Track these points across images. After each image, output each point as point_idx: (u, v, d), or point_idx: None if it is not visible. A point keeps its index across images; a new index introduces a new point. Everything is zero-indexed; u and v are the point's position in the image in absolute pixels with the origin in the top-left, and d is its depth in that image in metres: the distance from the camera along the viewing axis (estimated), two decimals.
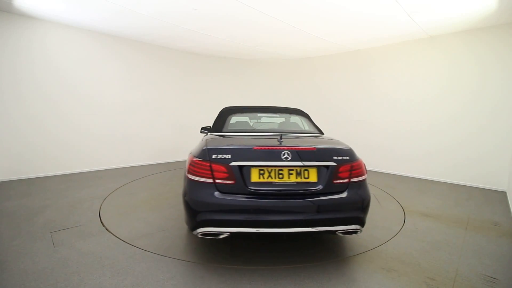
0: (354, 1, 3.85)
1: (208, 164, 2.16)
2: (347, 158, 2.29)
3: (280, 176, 2.18)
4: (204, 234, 2.13)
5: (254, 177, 2.15)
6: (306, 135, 2.97)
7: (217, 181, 2.14)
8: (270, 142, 2.36)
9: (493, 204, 4.03)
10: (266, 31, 5.20)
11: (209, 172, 2.15)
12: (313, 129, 3.25)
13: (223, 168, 2.14)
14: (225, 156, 2.17)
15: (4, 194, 4.07)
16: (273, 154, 2.17)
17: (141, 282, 2.04)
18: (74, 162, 5.54)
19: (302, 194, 2.17)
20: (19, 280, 2.04)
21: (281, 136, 2.48)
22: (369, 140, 6.38)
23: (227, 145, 2.37)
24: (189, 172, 2.25)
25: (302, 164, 2.19)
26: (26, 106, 4.98)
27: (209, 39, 5.92)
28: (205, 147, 2.27)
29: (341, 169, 2.24)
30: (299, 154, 2.21)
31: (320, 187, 2.19)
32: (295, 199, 2.15)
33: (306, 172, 2.21)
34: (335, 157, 2.25)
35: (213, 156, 2.18)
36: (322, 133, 3.19)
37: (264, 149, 2.21)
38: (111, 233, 2.86)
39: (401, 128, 5.88)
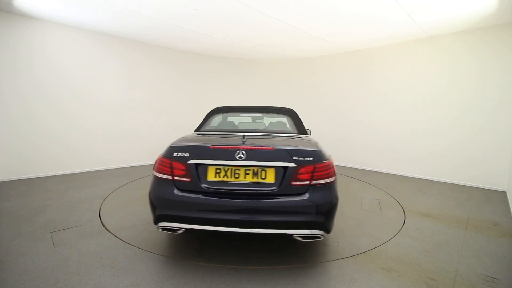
0: (354, 1, 3.85)
1: (169, 162, 2.24)
2: (310, 159, 2.17)
3: (236, 175, 2.18)
4: (163, 228, 2.21)
5: (211, 175, 2.19)
6: (283, 135, 2.87)
7: (176, 178, 2.21)
8: (230, 142, 2.37)
9: (493, 204, 4.03)
10: (266, 31, 5.20)
11: (169, 170, 2.23)
12: (295, 129, 3.15)
13: (181, 166, 2.21)
14: (184, 154, 2.24)
15: (4, 194, 4.07)
16: (228, 154, 2.18)
17: (141, 282, 2.04)
18: (74, 162, 5.55)
19: (258, 194, 2.14)
20: (19, 280, 2.04)
21: (244, 136, 2.51)
22: (369, 140, 6.39)
23: (187, 143, 2.38)
24: (154, 169, 2.35)
25: (259, 164, 2.16)
26: (26, 106, 4.98)
27: (209, 39, 5.92)
28: (170, 145, 2.35)
29: (301, 170, 2.15)
30: (256, 154, 2.18)
31: (276, 188, 2.14)
32: (250, 199, 2.13)
33: (263, 172, 2.17)
34: (295, 158, 2.17)
35: (174, 154, 2.25)
36: (305, 133, 3.12)
37: (220, 148, 2.23)
38: (111, 233, 2.86)
39: (401, 128, 5.87)
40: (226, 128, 3.26)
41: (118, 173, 5.60)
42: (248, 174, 2.17)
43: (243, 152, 2.17)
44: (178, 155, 2.24)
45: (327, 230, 2.17)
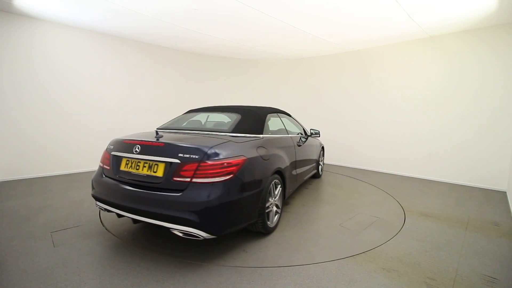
0: (354, 1, 3.85)
1: (104, 152, 2.74)
2: (196, 157, 2.19)
3: (137, 167, 2.40)
4: (99, 207, 2.60)
5: (123, 166, 2.50)
6: (215, 133, 2.82)
7: (104, 166, 2.67)
8: (141, 137, 2.61)
9: (493, 204, 4.03)
10: (266, 31, 5.20)
11: (103, 159, 2.71)
12: (234, 129, 2.93)
13: (107, 156, 2.64)
14: (111, 146, 2.66)
15: (4, 194, 4.07)
16: (129, 147, 2.46)
17: (141, 282, 2.04)
18: (75, 161, 5.55)
19: (148, 186, 2.30)
20: (19, 280, 2.04)
21: (157, 132, 2.70)
22: (368, 140, 6.38)
23: (118, 138, 2.74)
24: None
25: (152, 159, 2.33)
26: (27, 106, 4.98)
27: (209, 39, 5.92)
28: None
29: (184, 167, 2.18)
30: (149, 149, 2.38)
31: (161, 182, 2.24)
32: (142, 189, 2.29)
33: (156, 166, 2.31)
34: (180, 155, 2.23)
35: (108, 147, 2.72)
36: (258, 133, 3.01)
37: (127, 142, 2.53)
38: (111, 233, 2.86)
39: (401, 128, 5.87)
40: (178, 126, 3.27)
41: None
42: (145, 167, 2.37)
43: (139, 146, 2.42)
44: (109, 147, 2.68)
45: (208, 231, 2.13)
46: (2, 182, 4.73)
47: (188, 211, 2.09)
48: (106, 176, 2.60)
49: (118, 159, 2.53)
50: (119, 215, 2.47)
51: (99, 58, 5.80)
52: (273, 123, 3.66)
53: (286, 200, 3.87)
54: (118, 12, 4.47)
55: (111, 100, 6.01)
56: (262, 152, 2.74)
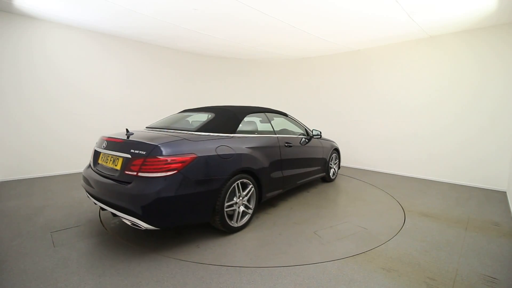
0: (354, 1, 3.85)
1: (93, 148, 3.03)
2: (143, 153, 2.36)
3: (106, 161, 2.68)
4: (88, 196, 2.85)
5: (99, 159, 2.81)
6: (181, 132, 2.95)
7: (90, 159, 3.03)
8: (118, 134, 2.89)
9: (493, 204, 4.03)
10: (266, 31, 5.20)
11: (92, 154, 3.02)
12: (204, 127, 3.05)
13: (93, 151, 2.99)
14: (96, 142, 3.00)
15: (4, 194, 4.07)
16: (102, 143, 2.80)
17: (141, 282, 2.04)
18: (75, 161, 5.54)
19: (111, 178, 2.54)
20: (19, 280, 2.04)
21: (127, 130, 2.89)
22: (368, 140, 6.39)
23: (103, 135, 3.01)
24: None
25: (114, 154, 2.59)
26: (27, 106, 4.98)
27: (209, 39, 5.92)
28: None
29: (134, 162, 2.38)
30: (111, 144, 2.68)
31: (118, 175, 2.47)
32: (106, 181, 2.53)
33: (117, 160, 2.55)
34: (131, 150, 2.44)
35: (95, 143, 3.04)
36: (229, 132, 3.07)
37: (103, 139, 2.85)
38: (111, 233, 2.86)
39: (401, 128, 5.87)
40: (163, 126, 3.37)
41: None
42: (111, 160, 2.63)
43: (106, 142, 2.75)
44: (96, 143, 3.00)
45: (149, 222, 2.28)
46: (2, 182, 4.73)
47: (132, 203, 2.27)
48: (90, 167, 2.98)
49: (97, 154, 2.88)
50: (102, 208, 2.63)
51: (99, 58, 5.80)
52: (255, 122, 3.68)
53: (275, 202, 3.89)
54: (118, 12, 4.47)
55: (111, 99, 6.01)
56: (223, 151, 2.77)
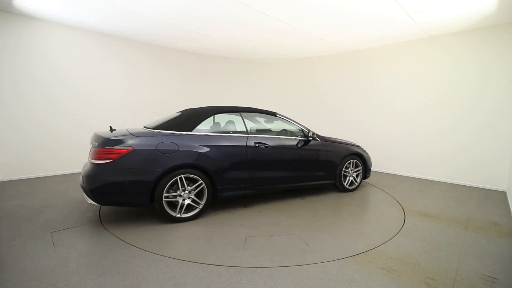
0: (354, 1, 3.85)
1: None
2: (96, 144, 3.00)
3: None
4: None
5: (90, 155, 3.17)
6: (146, 130, 3.40)
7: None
8: (102, 132, 3.26)
9: (493, 204, 4.03)
10: (266, 31, 5.20)
11: None
12: (162, 125, 3.45)
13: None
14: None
15: (4, 194, 4.07)
16: (91, 139, 3.22)
17: (141, 282, 2.04)
18: (75, 161, 5.54)
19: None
20: (19, 280, 2.04)
21: (110, 127, 3.40)
22: (368, 140, 6.37)
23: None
24: None
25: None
26: (27, 106, 4.98)
27: (209, 39, 5.91)
28: None
29: (92, 151, 3.04)
30: (92, 139, 3.16)
31: (88, 162, 3.13)
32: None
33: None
34: (94, 142, 3.07)
35: None
36: (187, 130, 3.33)
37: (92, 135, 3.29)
38: (111, 233, 2.86)
39: (402, 128, 5.87)
40: (157, 125, 3.61)
41: None
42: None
43: (92, 137, 3.21)
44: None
45: (92, 199, 2.89)
46: (2, 182, 4.73)
47: (86, 182, 2.92)
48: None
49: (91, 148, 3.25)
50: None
51: (99, 58, 5.80)
52: (224, 122, 3.79)
53: (249, 203, 3.88)
54: (118, 12, 4.47)
55: (111, 99, 6.01)
56: (164, 146, 3.05)
